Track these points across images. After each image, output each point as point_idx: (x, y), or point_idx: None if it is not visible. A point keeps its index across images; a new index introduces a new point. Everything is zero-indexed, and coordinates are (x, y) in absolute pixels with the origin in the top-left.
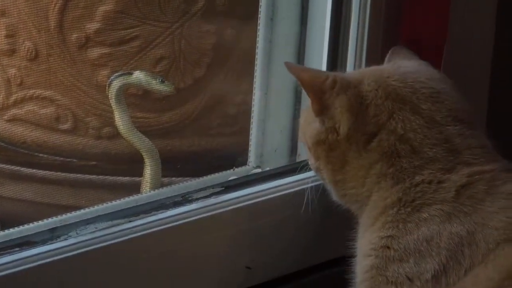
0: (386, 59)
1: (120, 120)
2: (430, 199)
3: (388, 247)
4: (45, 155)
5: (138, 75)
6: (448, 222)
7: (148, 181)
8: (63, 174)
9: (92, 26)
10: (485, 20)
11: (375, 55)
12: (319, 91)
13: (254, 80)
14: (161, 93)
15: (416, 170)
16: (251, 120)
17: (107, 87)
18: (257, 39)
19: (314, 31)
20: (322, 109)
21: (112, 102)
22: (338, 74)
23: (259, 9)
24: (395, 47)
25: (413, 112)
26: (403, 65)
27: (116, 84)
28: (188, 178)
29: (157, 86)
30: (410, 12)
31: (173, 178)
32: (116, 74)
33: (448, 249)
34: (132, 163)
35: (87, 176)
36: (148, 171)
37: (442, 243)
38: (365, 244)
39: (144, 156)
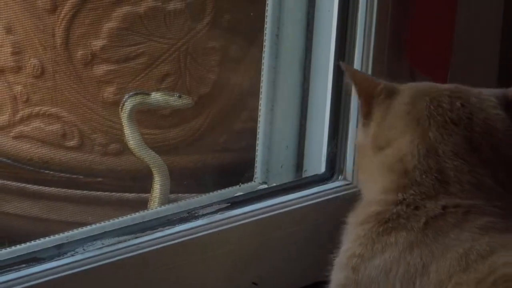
0: None
1: (131, 136)
2: (401, 225)
3: (358, 270)
4: (52, 172)
5: (155, 96)
6: (409, 252)
7: (157, 196)
8: (70, 190)
9: (98, 43)
10: (490, 32)
11: (381, 70)
12: (369, 95)
13: (260, 96)
14: (181, 108)
15: (399, 188)
16: (257, 136)
17: (121, 104)
18: (263, 55)
19: (319, 47)
20: (368, 114)
21: (124, 119)
22: (390, 84)
23: (265, 26)
24: None
25: (420, 137)
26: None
27: (131, 102)
28: (194, 194)
29: (176, 102)
30: (415, 29)
31: (179, 195)
32: (131, 93)
33: (402, 282)
34: (138, 180)
35: (94, 193)
36: (157, 187)
37: (399, 275)
38: (343, 251)
39: (153, 172)
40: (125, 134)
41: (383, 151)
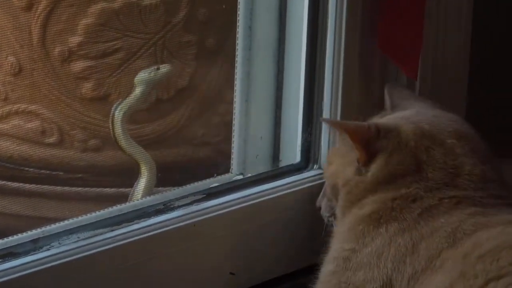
0: (386, 97)
1: (122, 135)
2: (392, 217)
3: (349, 260)
4: (32, 169)
5: (137, 90)
6: (400, 235)
7: (141, 190)
8: (50, 187)
9: (75, 40)
10: (461, 19)
11: (352, 59)
12: (365, 140)
13: (235, 88)
14: (166, 77)
15: (406, 183)
16: (233, 127)
17: (111, 115)
18: (236, 47)
19: (292, 38)
20: (370, 158)
21: (117, 125)
22: (377, 122)
23: (237, 18)
24: (389, 85)
25: (439, 144)
26: (425, 111)
27: (121, 111)
28: (172, 187)
29: (157, 76)
30: (386, 17)
31: (157, 188)
32: (118, 102)
33: (393, 261)
34: (117, 175)
35: (74, 189)
36: (143, 181)
37: (390, 255)
38: (332, 250)
39: (141, 166)
40: (115, 133)
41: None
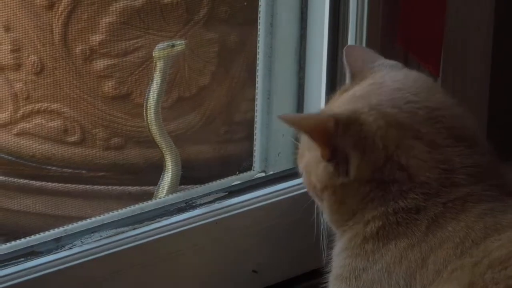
0: (345, 63)
1: (155, 120)
2: (401, 233)
3: (360, 277)
4: (54, 168)
5: (159, 61)
6: (410, 250)
7: (167, 184)
8: (72, 185)
9: (96, 38)
10: (482, 16)
11: None
12: (325, 136)
13: (256, 85)
14: (182, 52)
15: (402, 193)
16: (255, 125)
17: (145, 100)
18: (258, 44)
19: (313, 34)
20: (331, 154)
21: (151, 110)
22: (335, 113)
23: (259, 15)
24: (348, 48)
25: (414, 138)
26: (386, 83)
27: (152, 99)
28: (195, 185)
29: (175, 52)
30: (407, 13)
31: (180, 186)
32: (148, 86)
33: (405, 278)
34: (140, 173)
35: (96, 187)
36: (168, 175)
37: (401, 272)
38: (338, 266)
39: (166, 159)
40: (149, 120)
41: (380, 171)
